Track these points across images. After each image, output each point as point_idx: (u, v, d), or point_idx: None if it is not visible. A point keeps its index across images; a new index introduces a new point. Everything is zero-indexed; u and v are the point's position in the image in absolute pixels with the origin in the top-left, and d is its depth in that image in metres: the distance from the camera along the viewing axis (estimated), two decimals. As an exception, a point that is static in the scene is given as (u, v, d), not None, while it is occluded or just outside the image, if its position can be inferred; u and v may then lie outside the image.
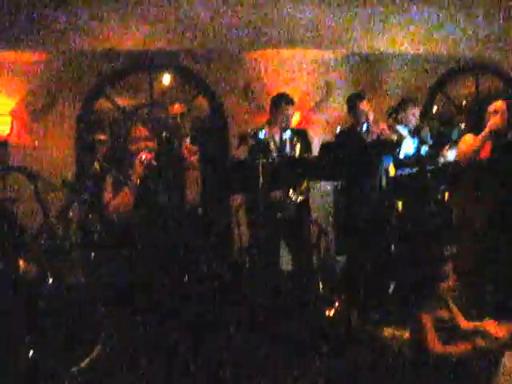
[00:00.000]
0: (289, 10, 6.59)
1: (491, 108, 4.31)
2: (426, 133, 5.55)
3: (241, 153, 4.68)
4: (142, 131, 3.91)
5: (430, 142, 5.47)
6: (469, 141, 4.27)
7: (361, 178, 5.02)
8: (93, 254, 5.03)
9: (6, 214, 4.12)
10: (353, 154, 4.22)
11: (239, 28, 6.49)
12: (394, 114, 5.60)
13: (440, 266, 3.95)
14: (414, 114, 5.55)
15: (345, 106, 5.63)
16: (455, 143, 5.06)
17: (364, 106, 5.36)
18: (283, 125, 4.87)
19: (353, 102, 5.46)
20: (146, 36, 6.31)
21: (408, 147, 5.28)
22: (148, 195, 3.80)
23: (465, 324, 3.46)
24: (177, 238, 3.86)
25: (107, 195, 3.88)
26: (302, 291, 4.76)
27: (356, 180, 5.09)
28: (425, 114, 6.26)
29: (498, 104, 4.31)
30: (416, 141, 5.30)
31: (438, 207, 5.00)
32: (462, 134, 5.01)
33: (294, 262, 4.89)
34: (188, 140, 4.67)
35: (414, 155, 5.25)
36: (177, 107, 5.30)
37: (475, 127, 4.34)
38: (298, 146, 4.84)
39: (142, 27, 6.28)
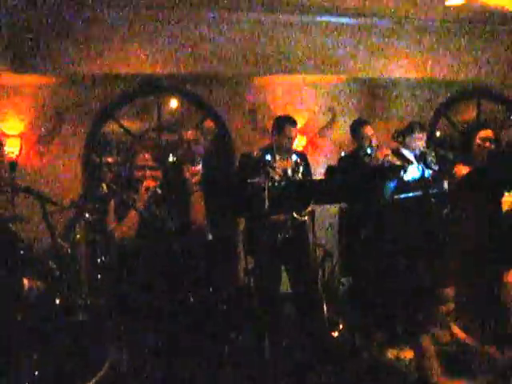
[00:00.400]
0: (294, 36, 6.69)
1: (481, 135, 4.44)
2: (431, 158, 5.58)
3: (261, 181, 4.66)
4: (147, 159, 3.94)
5: (436, 167, 5.51)
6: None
7: (364, 202, 5.04)
8: (99, 275, 5.09)
9: (11, 233, 4.16)
10: (355, 177, 4.24)
11: (246, 54, 6.58)
12: (401, 138, 5.63)
13: (441, 289, 3.97)
14: (420, 138, 5.56)
15: (349, 131, 5.70)
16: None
17: (367, 131, 5.43)
18: (286, 147, 4.87)
19: (356, 127, 5.54)
20: (155, 60, 6.40)
21: (413, 172, 5.31)
22: (153, 221, 3.82)
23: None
24: (182, 260, 3.89)
25: (110, 221, 3.90)
26: (306, 313, 4.77)
27: (360, 203, 5.12)
28: (429, 139, 6.30)
29: (488, 132, 4.45)
30: (421, 166, 5.33)
31: (441, 230, 5.02)
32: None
33: (296, 284, 4.89)
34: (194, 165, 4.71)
35: (418, 179, 5.29)
36: (190, 133, 5.35)
37: (465, 152, 4.47)
38: (301, 169, 4.85)
39: (150, 52, 6.37)
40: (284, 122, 4.88)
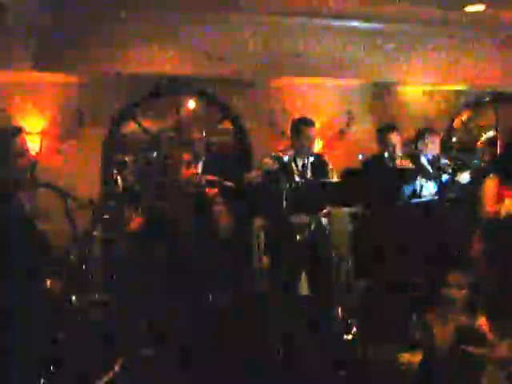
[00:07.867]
0: (312, 40, 6.74)
1: None
2: (446, 161, 5.56)
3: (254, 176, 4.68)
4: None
5: (450, 170, 5.48)
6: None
7: (381, 205, 5.05)
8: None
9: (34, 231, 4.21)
10: (379, 181, 4.24)
11: (264, 56, 6.63)
12: (413, 144, 5.64)
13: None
14: (433, 142, 5.55)
15: (365, 134, 5.70)
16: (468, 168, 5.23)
17: (393, 138, 5.35)
18: (305, 148, 4.88)
19: (383, 133, 5.47)
20: (175, 62, 6.47)
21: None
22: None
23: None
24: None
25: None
26: (320, 315, 4.80)
27: (376, 207, 5.13)
28: (445, 144, 6.29)
29: None
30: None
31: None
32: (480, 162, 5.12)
33: (313, 287, 4.91)
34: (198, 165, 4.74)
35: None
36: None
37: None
38: (320, 171, 4.87)
39: (170, 53, 6.45)
40: (301, 124, 4.90)
